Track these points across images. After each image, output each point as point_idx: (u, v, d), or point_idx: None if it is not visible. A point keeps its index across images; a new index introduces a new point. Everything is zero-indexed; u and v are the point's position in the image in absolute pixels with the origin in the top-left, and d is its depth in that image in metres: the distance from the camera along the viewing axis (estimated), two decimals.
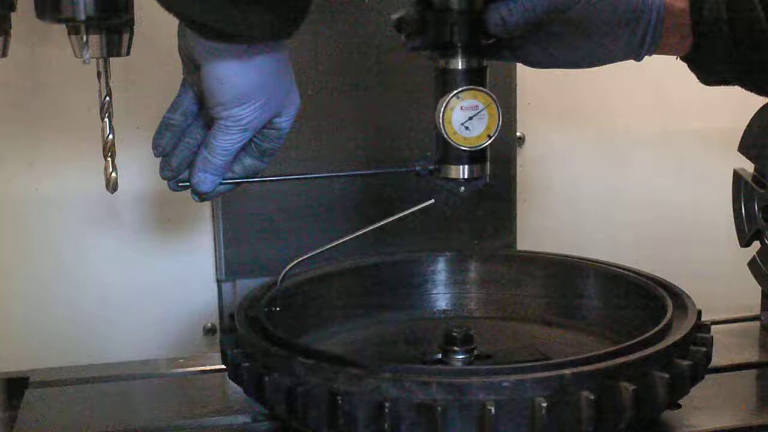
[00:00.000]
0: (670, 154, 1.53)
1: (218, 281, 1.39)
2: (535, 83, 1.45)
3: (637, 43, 0.98)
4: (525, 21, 0.95)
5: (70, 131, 1.32)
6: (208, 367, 1.17)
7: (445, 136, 0.99)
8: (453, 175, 1.01)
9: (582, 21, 0.97)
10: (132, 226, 1.37)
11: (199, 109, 0.98)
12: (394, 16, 1.00)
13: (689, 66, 1.03)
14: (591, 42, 0.98)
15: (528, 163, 1.48)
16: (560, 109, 1.49)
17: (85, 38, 0.92)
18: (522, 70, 1.42)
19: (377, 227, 1.05)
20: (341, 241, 1.04)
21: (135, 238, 1.37)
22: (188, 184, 0.98)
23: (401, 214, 1.05)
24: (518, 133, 1.46)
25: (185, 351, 1.37)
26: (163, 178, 0.99)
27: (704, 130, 1.53)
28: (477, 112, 0.98)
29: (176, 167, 0.98)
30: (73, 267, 1.36)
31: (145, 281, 1.38)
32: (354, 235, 1.03)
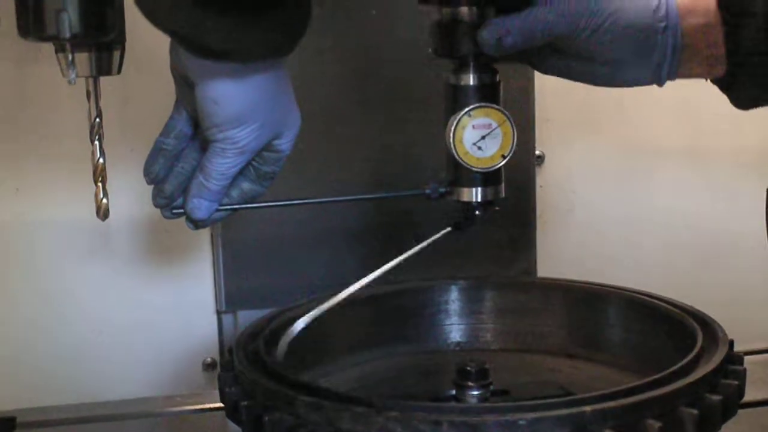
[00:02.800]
0: (699, 172, 1.53)
1: (218, 313, 1.39)
2: (554, 98, 1.45)
3: (652, 73, 0.98)
4: (522, 44, 0.95)
5: (60, 154, 1.32)
6: (208, 405, 1.17)
7: (456, 156, 0.98)
8: (465, 198, 1.00)
9: (588, 49, 0.96)
10: (126, 255, 1.37)
11: (194, 132, 0.98)
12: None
13: (720, 89, 1.02)
14: (604, 68, 0.98)
15: (548, 183, 1.48)
16: (582, 125, 1.49)
17: (71, 57, 0.92)
18: (540, 84, 1.42)
19: (392, 266, 1.04)
20: (352, 290, 1.03)
21: (129, 267, 1.37)
22: (183, 211, 0.98)
23: (416, 249, 1.04)
24: (537, 152, 1.46)
25: (183, 388, 1.37)
26: (156, 206, 0.99)
27: (735, 147, 1.52)
28: (490, 131, 0.98)
29: (170, 194, 0.98)
30: (63, 299, 1.36)
31: (139, 313, 1.38)
32: (367, 280, 1.02)
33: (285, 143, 0.96)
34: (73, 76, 0.94)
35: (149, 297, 1.38)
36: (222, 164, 0.94)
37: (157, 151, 0.98)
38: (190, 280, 1.39)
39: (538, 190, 1.45)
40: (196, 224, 0.99)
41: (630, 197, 1.51)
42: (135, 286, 1.37)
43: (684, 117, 1.51)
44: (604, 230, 1.50)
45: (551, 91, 1.44)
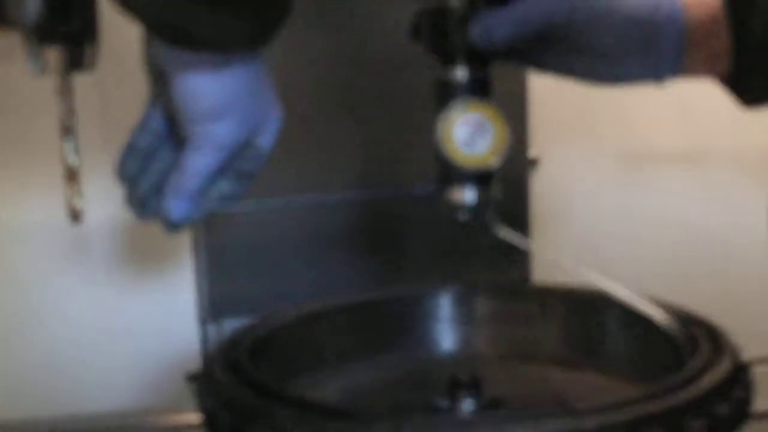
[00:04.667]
0: (697, 177, 1.49)
1: (201, 321, 1.35)
2: (549, 99, 1.42)
3: (651, 70, 0.94)
4: (513, 36, 0.91)
5: (35, 157, 1.28)
6: (188, 419, 1.13)
7: (446, 155, 0.93)
8: (456, 199, 0.96)
9: (583, 41, 0.92)
10: (104, 262, 1.33)
11: (170, 130, 0.93)
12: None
13: (724, 86, 0.98)
14: (602, 63, 0.94)
15: (543, 187, 1.44)
16: (578, 127, 1.46)
17: (35, 48, 0.87)
18: (534, 86, 1.39)
19: None
20: None
21: (107, 274, 1.33)
22: (158, 211, 0.93)
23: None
24: (532, 155, 1.42)
25: (164, 400, 1.33)
26: (129, 207, 0.94)
27: (735, 151, 1.49)
28: (482, 128, 0.93)
29: (143, 194, 0.93)
30: (38, 307, 1.32)
31: (118, 322, 1.34)
32: None
33: (265, 140, 0.91)
34: (38, 66, 0.89)
35: (129, 305, 1.34)
36: (199, 162, 0.88)
37: (130, 149, 0.93)
38: (172, 287, 1.35)
39: (533, 194, 1.42)
40: (173, 226, 0.93)
41: (627, 202, 1.49)
42: (114, 293, 1.33)
43: (682, 120, 1.48)
44: (600, 236, 1.47)
45: (545, 94, 1.42)
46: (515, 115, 1.30)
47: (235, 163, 0.92)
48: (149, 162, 0.93)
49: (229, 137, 0.87)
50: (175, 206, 0.91)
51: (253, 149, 0.91)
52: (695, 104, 1.44)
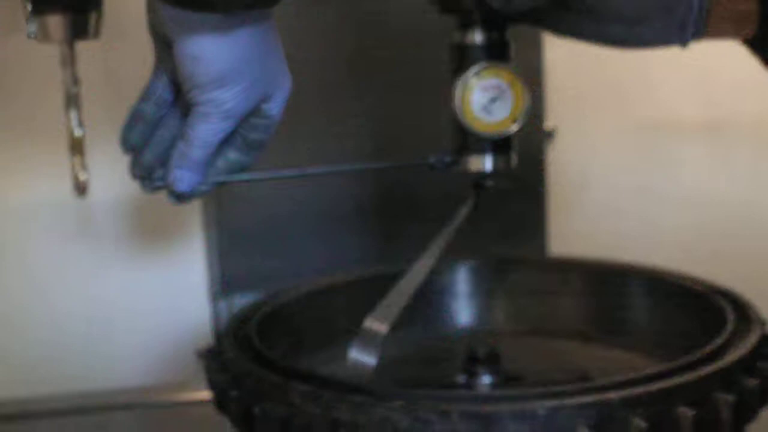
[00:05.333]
0: (722, 146, 1.45)
1: (212, 298, 1.32)
2: (566, 68, 1.38)
3: (675, 33, 0.91)
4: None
5: (42, 133, 1.24)
6: (199, 396, 1.10)
7: (464, 122, 0.90)
8: (473, 168, 0.93)
9: (603, 3, 0.89)
10: (112, 238, 1.30)
11: (175, 98, 0.90)
12: None
13: (750, 49, 0.95)
14: (623, 27, 0.91)
15: (560, 158, 1.40)
16: (595, 97, 1.42)
17: (29, 7, 0.84)
18: (551, 54, 1.35)
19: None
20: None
21: (116, 250, 1.30)
22: (164, 183, 0.90)
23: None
24: (548, 125, 1.39)
25: (175, 377, 1.30)
26: (134, 178, 0.91)
27: (761, 119, 1.45)
28: (500, 92, 0.90)
29: (149, 165, 0.90)
30: (46, 285, 1.29)
31: (128, 300, 1.31)
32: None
33: (274, 107, 0.87)
34: (33, 30, 0.86)
35: (138, 282, 1.31)
36: (205, 130, 0.85)
37: (134, 118, 0.90)
38: (182, 263, 1.32)
39: (550, 166, 1.38)
40: (179, 198, 0.90)
41: (646, 173, 1.45)
42: (123, 270, 1.30)
43: (704, 90, 1.44)
44: (619, 208, 1.44)
45: (563, 62, 1.38)
46: (531, 86, 1.28)
47: (244, 132, 0.88)
48: (154, 132, 0.90)
49: (237, 105, 0.84)
50: (181, 177, 0.88)
51: (262, 118, 0.88)
52: (718, 73, 1.40)
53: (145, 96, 0.90)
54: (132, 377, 1.27)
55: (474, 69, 0.90)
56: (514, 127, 0.91)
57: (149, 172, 0.90)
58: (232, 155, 0.90)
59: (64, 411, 1.10)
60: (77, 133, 0.97)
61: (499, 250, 1.32)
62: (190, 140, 0.86)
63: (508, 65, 0.91)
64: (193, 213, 1.29)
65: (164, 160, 0.90)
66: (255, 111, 0.87)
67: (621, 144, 1.44)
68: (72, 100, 0.97)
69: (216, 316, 1.33)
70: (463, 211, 0.96)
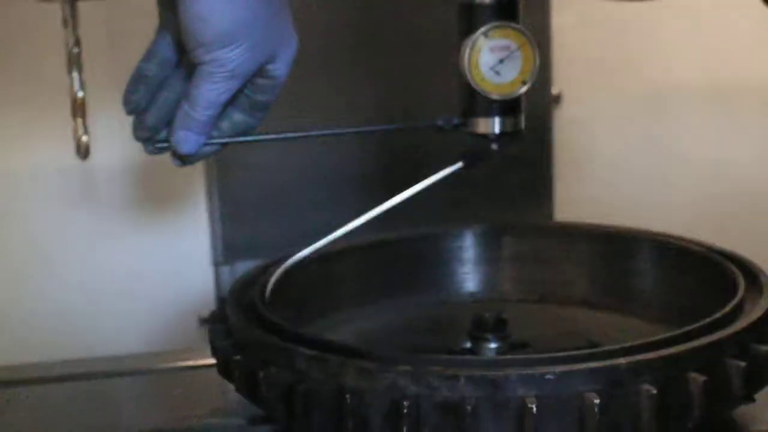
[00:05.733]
0: (728, 111, 1.44)
1: (215, 264, 1.31)
2: (573, 33, 1.37)
3: None
4: None
5: (43, 95, 1.23)
6: (202, 362, 1.09)
7: (472, 83, 0.88)
8: (481, 130, 0.91)
9: None
10: (115, 203, 1.29)
11: (179, 58, 0.88)
12: None
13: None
14: None
15: (566, 124, 1.39)
16: (602, 62, 1.41)
17: None
18: (558, 20, 1.34)
19: (396, 203, 0.95)
20: (348, 228, 0.94)
21: (119, 216, 1.29)
22: (167, 145, 0.88)
23: (423, 185, 0.95)
24: (554, 91, 1.38)
25: (178, 344, 1.30)
26: (137, 139, 0.89)
27: (766, 80, 1.43)
28: (509, 53, 0.88)
29: (152, 126, 0.88)
30: (48, 250, 1.28)
31: (131, 266, 1.30)
32: (362, 220, 0.94)
33: (280, 68, 0.85)
34: None
35: (141, 247, 1.30)
36: (210, 91, 0.83)
37: (137, 78, 0.88)
38: (185, 229, 1.31)
39: (556, 132, 1.38)
40: (183, 160, 0.89)
41: (654, 139, 1.44)
42: (125, 235, 1.30)
43: (710, 55, 1.42)
44: (626, 174, 1.43)
45: (570, 26, 1.37)
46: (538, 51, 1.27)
47: (249, 93, 0.87)
48: (157, 93, 0.88)
49: (242, 64, 0.82)
50: (186, 138, 0.86)
51: (267, 78, 0.86)
52: (726, 39, 1.39)
53: (149, 56, 0.88)
54: (136, 344, 1.27)
55: (483, 29, 0.88)
56: (523, 89, 0.90)
57: (152, 133, 0.89)
58: (237, 117, 0.88)
59: (67, 377, 1.08)
60: (79, 95, 0.95)
61: (506, 216, 1.31)
62: (194, 101, 0.84)
63: (518, 25, 0.89)
64: (197, 178, 1.28)
65: (168, 122, 0.88)
66: (260, 71, 0.85)
67: (628, 110, 1.43)
68: (74, 62, 0.96)
69: (218, 282, 1.32)
70: (446, 170, 0.94)
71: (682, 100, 1.44)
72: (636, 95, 1.43)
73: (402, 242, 1.11)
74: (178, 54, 0.88)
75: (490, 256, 1.12)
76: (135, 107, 0.88)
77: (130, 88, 0.88)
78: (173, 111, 0.87)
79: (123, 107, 0.89)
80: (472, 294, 1.12)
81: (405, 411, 0.75)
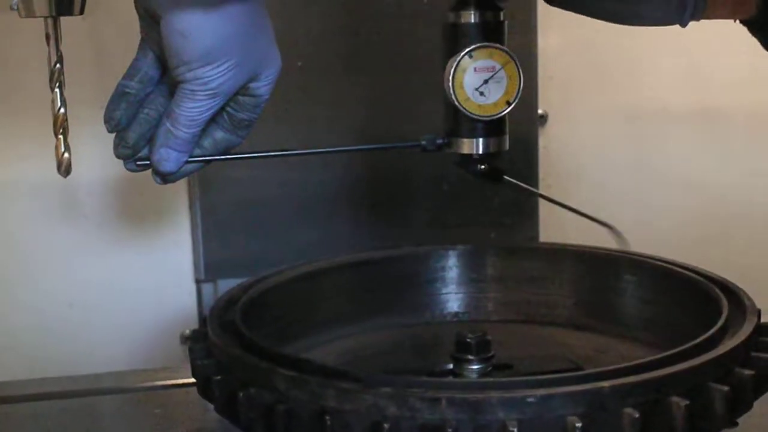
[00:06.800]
0: (714, 133, 1.44)
1: (197, 282, 1.30)
2: (558, 54, 1.37)
3: (673, 11, 0.88)
4: None
5: (26, 110, 1.23)
6: (183, 381, 1.07)
7: (456, 103, 0.88)
8: (466, 150, 0.90)
9: None
10: (98, 219, 1.28)
11: (161, 75, 0.87)
12: None
13: (749, 30, 0.92)
14: (616, 3, 0.88)
15: (551, 144, 1.40)
16: (587, 83, 1.41)
17: None
18: (544, 40, 1.34)
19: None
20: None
21: (101, 232, 1.28)
22: (148, 162, 0.87)
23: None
24: (540, 111, 1.38)
25: (160, 361, 1.29)
26: (118, 157, 0.89)
27: (752, 106, 1.43)
28: (493, 74, 0.88)
29: (133, 143, 0.87)
30: (30, 266, 1.28)
31: (113, 282, 1.29)
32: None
33: (263, 87, 0.85)
34: (15, 0, 0.84)
35: (123, 265, 1.29)
36: (192, 109, 0.83)
37: (119, 95, 0.87)
38: (167, 246, 1.31)
39: (542, 152, 1.37)
40: (164, 178, 0.88)
41: (639, 161, 1.44)
42: (107, 252, 1.29)
43: (695, 76, 1.43)
44: (611, 195, 1.42)
45: (555, 48, 1.37)
46: (524, 71, 1.26)
47: (231, 111, 0.86)
48: (139, 110, 0.87)
49: (225, 83, 0.82)
50: (167, 156, 0.86)
51: (250, 96, 0.85)
52: (708, 61, 1.39)
53: (131, 73, 0.87)
54: (117, 360, 1.26)
55: (468, 49, 0.88)
56: (507, 110, 0.89)
57: (134, 151, 0.88)
58: (219, 135, 0.88)
59: (45, 395, 1.07)
60: (60, 111, 0.94)
61: (491, 236, 1.31)
62: (176, 119, 0.84)
63: (503, 46, 0.89)
64: (180, 196, 1.27)
65: (149, 139, 0.87)
66: (243, 89, 0.84)
67: (612, 131, 1.43)
68: (56, 78, 0.94)
69: (201, 300, 1.31)
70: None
71: (667, 122, 1.43)
72: (621, 116, 1.43)
73: (386, 262, 1.10)
74: (160, 71, 0.87)
75: (474, 277, 1.12)
76: (116, 125, 0.87)
77: (111, 106, 0.88)
78: (155, 128, 0.87)
79: (105, 125, 0.88)
80: (455, 314, 1.11)
81: None
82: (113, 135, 0.89)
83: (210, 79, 0.81)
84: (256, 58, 0.83)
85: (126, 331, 1.31)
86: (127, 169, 0.89)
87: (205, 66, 0.81)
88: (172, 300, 1.31)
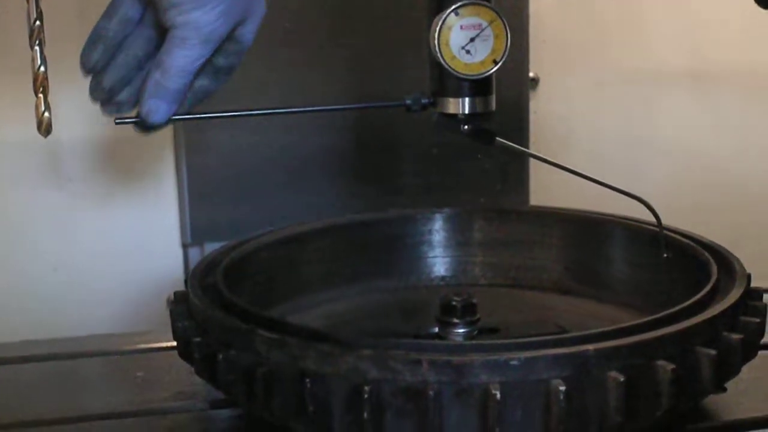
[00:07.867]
0: (708, 98, 1.43)
1: (184, 245, 1.29)
2: (550, 16, 1.36)
3: None
4: None
5: (5, 68, 1.20)
6: (166, 344, 1.06)
7: (442, 62, 0.86)
8: (451, 110, 0.89)
9: None
10: (82, 181, 1.27)
11: (141, 17, 0.84)
12: None
13: None
14: None
15: (542, 108, 1.38)
16: (579, 47, 1.40)
17: None
18: (535, 3, 1.32)
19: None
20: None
21: (85, 194, 1.27)
22: (133, 119, 0.85)
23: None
24: (531, 75, 1.36)
25: (145, 326, 1.28)
26: (94, 101, 0.86)
27: (747, 70, 1.42)
28: (480, 31, 0.86)
29: (110, 87, 0.85)
30: (13, 229, 1.26)
31: (98, 246, 1.28)
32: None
33: (248, 33, 0.83)
34: None
35: (108, 228, 1.28)
36: (183, 57, 0.80)
37: (96, 37, 0.84)
38: (153, 209, 1.29)
39: (532, 116, 1.35)
40: (150, 128, 0.85)
41: (630, 125, 1.42)
42: (92, 215, 1.27)
43: (690, 38, 1.41)
44: (602, 160, 1.41)
45: (547, 11, 1.35)
46: (515, 34, 1.24)
47: (213, 57, 0.84)
48: (117, 52, 0.85)
49: (217, 28, 0.79)
50: (156, 108, 0.83)
51: (235, 42, 0.83)
52: (705, 23, 1.38)
53: (109, 13, 0.84)
54: (103, 323, 1.25)
55: (454, 6, 0.86)
56: (494, 69, 0.87)
57: (110, 95, 0.85)
58: (199, 81, 0.85)
59: (29, 358, 1.06)
60: (40, 70, 0.92)
61: (477, 199, 1.29)
62: (166, 69, 0.81)
63: (489, 4, 0.87)
64: (165, 155, 1.26)
65: (126, 83, 0.85)
66: (228, 35, 0.82)
67: (605, 94, 1.42)
68: (35, 35, 0.92)
69: (187, 264, 1.30)
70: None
71: (662, 87, 1.42)
72: (614, 80, 1.42)
73: (371, 225, 1.09)
74: (141, 12, 0.84)
75: (461, 240, 1.10)
76: (92, 67, 0.85)
77: (87, 48, 0.85)
78: (132, 72, 0.85)
79: (80, 67, 0.86)
80: (442, 278, 1.10)
81: (366, 395, 0.73)
82: (82, 71, 0.86)
83: (202, 24, 0.78)
84: (244, 2, 0.81)
85: (112, 295, 1.30)
86: (104, 113, 0.87)
87: (197, 9, 0.77)
88: (159, 264, 1.30)
